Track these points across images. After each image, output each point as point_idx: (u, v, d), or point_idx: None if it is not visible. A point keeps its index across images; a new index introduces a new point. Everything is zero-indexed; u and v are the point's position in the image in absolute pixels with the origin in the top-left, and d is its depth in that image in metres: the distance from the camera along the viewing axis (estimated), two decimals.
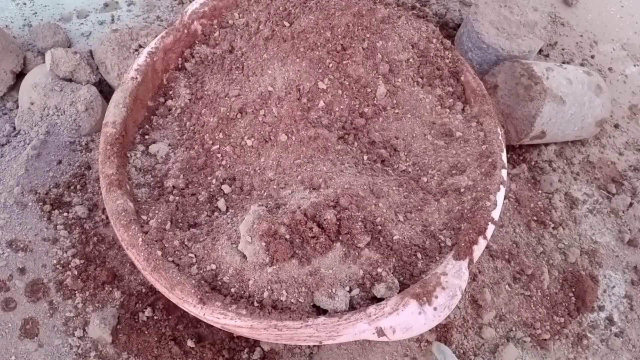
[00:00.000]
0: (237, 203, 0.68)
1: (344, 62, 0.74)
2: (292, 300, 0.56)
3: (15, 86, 0.89)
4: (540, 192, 0.90)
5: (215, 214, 0.68)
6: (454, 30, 1.04)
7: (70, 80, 0.86)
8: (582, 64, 1.09)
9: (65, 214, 0.76)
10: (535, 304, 0.79)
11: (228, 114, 0.73)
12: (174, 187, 0.69)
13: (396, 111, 0.77)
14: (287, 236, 0.58)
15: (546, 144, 0.94)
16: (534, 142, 0.89)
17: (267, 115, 0.72)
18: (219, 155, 0.72)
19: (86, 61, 0.86)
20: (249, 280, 0.58)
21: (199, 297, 0.56)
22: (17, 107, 0.86)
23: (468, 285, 0.77)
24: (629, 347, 0.79)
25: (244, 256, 0.59)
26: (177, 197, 0.68)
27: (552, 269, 0.83)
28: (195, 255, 0.61)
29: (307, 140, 0.69)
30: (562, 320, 0.79)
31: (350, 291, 0.57)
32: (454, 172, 0.72)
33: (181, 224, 0.66)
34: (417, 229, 0.64)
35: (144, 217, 0.64)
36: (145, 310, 0.71)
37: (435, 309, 0.54)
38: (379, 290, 0.57)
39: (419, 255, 0.62)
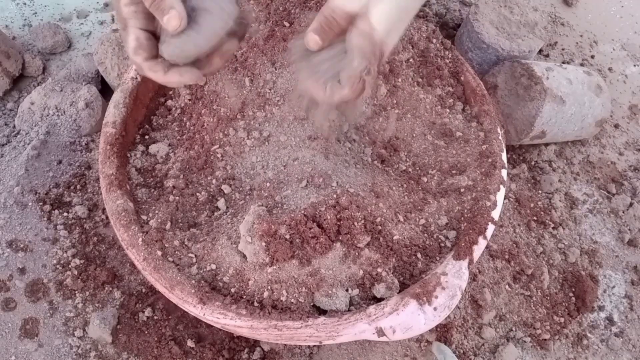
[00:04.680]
0: (237, 203, 0.68)
1: None
2: (292, 300, 0.56)
3: (15, 87, 0.89)
4: (540, 192, 0.90)
5: (215, 214, 0.67)
6: (454, 30, 1.04)
7: (70, 80, 0.86)
8: (582, 64, 1.09)
9: (65, 214, 0.76)
10: (535, 304, 0.79)
11: (228, 114, 0.73)
12: (174, 187, 0.69)
13: (396, 111, 0.77)
14: (287, 236, 0.58)
15: (546, 144, 0.94)
16: (534, 142, 0.89)
17: (267, 115, 0.72)
18: (219, 155, 0.72)
19: None
20: (249, 280, 0.58)
21: (199, 297, 0.56)
22: (17, 107, 0.86)
23: (468, 285, 0.77)
24: (629, 347, 0.79)
25: (244, 256, 0.59)
26: (177, 197, 0.68)
27: (552, 269, 0.83)
28: (195, 255, 0.61)
29: (307, 140, 0.69)
30: (562, 320, 0.79)
31: (350, 291, 0.57)
32: (454, 172, 0.72)
33: (181, 224, 0.66)
34: (417, 229, 0.64)
35: (144, 217, 0.64)
36: (145, 310, 0.71)
37: (435, 309, 0.54)
38: (379, 290, 0.56)
39: (419, 255, 0.62)
